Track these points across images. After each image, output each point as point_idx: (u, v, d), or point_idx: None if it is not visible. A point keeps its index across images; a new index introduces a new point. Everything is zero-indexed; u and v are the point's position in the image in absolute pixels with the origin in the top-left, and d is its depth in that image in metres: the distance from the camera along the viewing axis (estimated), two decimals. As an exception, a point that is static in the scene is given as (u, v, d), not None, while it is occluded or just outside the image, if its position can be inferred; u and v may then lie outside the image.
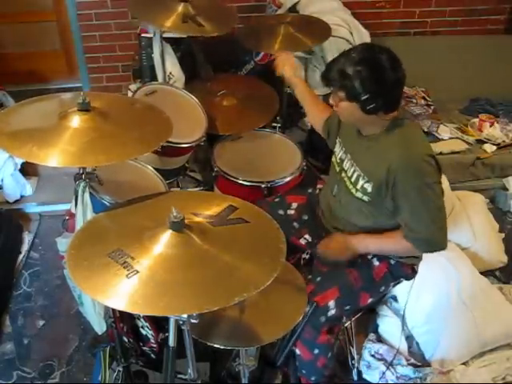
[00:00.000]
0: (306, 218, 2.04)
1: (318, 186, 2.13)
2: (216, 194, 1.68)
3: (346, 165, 1.81)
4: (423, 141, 1.72)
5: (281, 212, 2.04)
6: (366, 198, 1.73)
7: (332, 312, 1.76)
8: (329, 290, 1.78)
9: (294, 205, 2.06)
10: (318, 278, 1.83)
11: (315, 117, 2.09)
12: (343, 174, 1.82)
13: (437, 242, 1.68)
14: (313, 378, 1.86)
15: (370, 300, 1.86)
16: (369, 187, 1.71)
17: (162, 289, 1.18)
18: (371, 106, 1.57)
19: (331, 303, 1.76)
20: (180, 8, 2.31)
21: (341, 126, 1.90)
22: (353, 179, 1.77)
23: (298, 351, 1.80)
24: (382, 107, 1.58)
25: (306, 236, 2.01)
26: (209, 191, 2.52)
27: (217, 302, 1.15)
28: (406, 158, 1.61)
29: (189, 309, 1.18)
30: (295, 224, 2.03)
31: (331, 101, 1.69)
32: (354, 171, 1.76)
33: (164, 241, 1.27)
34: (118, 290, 1.17)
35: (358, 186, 1.74)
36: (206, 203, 1.48)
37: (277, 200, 2.10)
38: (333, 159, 1.92)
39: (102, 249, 1.29)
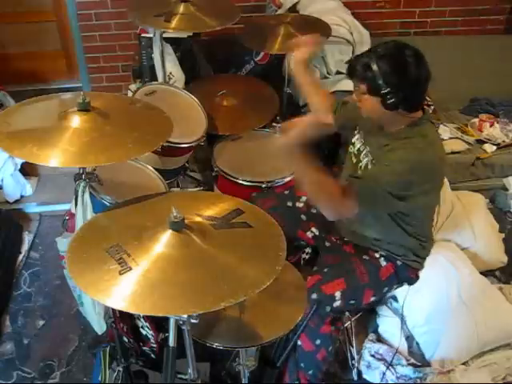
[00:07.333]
0: (314, 211, 2.01)
1: None
2: (225, 195, 1.67)
3: (363, 156, 1.81)
4: (438, 141, 1.76)
5: (289, 203, 2.05)
6: None
7: (337, 303, 1.77)
8: (336, 281, 1.79)
9: (304, 198, 2.05)
10: (326, 269, 1.83)
11: (319, 108, 1.99)
12: (358, 166, 1.82)
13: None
14: (310, 372, 1.87)
15: (372, 298, 1.87)
16: None
17: (151, 288, 1.17)
18: (391, 101, 1.58)
19: (337, 294, 1.77)
20: (181, 8, 2.33)
21: (360, 117, 1.87)
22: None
23: (299, 342, 1.81)
24: (402, 103, 1.59)
25: (313, 229, 2.02)
26: (209, 191, 2.53)
27: (203, 305, 1.14)
28: (418, 161, 1.61)
29: (173, 310, 1.18)
30: (303, 216, 2.03)
31: (354, 96, 1.70)
32: (367, 164, 1.77)
33: (163, 240, 1.27)
34: (109, 286, 1.17)
35: None
36: (212, 205, 1.48)
37: (286, 192, 2.10)
38: (350, 149, 1.89)
39: (101, 243, 1.30)
